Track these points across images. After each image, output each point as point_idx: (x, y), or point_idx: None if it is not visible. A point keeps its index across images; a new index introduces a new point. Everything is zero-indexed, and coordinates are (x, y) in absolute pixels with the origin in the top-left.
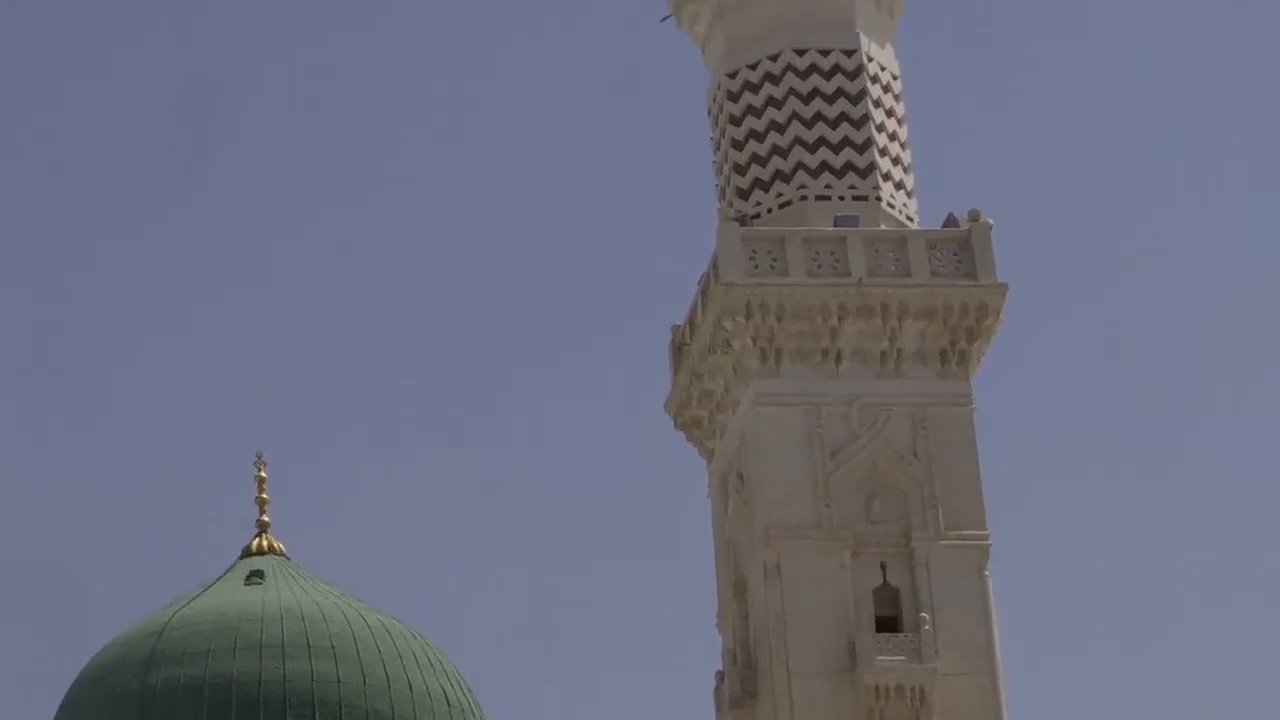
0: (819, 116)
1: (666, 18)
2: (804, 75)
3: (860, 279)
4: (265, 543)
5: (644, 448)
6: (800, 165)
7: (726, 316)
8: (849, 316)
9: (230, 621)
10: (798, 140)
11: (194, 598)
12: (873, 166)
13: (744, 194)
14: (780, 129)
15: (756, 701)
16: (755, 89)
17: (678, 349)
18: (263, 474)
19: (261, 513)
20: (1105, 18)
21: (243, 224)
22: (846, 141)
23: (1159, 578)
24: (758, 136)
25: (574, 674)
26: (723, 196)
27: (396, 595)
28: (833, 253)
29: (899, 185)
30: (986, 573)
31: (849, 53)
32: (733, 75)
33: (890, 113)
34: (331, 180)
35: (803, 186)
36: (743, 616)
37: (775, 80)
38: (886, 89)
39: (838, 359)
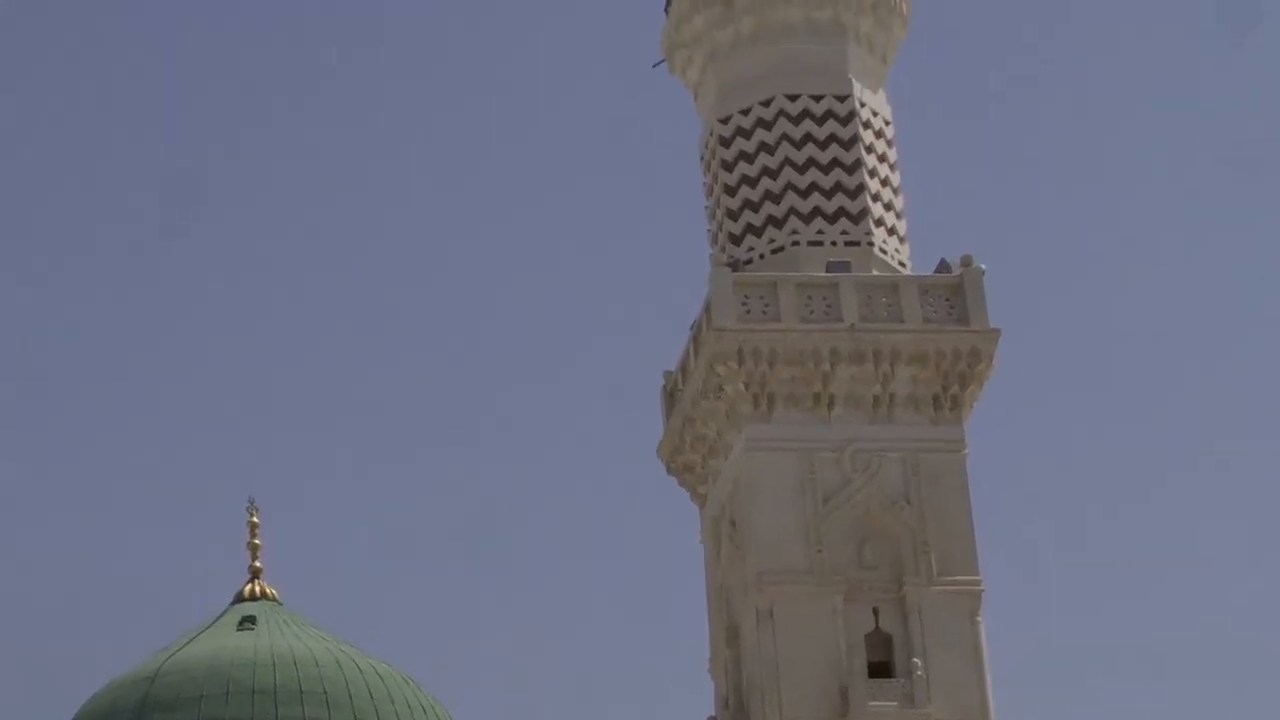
0: (811, 162)
1: (659, 63)
2: (796, 120)
3: (853, 324)
4: (257, 588)
5: (636, 493)
6: (793, 211)
7: (719, 362)
8: (841, 362)
9: (223, 667)
10: (790, 186)
11: (186, 643)
12: (865, 212)
13: (736, 239)
14: (773, 174)
15: None
16: (748, 134)
17: (670, 394)
18: (255, 519)
19: (254, 558)
20: (1097, 66)
21: (233, 272)
22: (839, 187)
23: (1152, 623)
24: (750, 182)
25: (566, 719)
26: (715, 242)
27: (390, 641)
28: (825, 298)
29: (891, 231)
30: (979, 618)
31: (841, 98)
32: (725, 120)
33: (883, 158)
34: (322, 233)
35: (795, 232)
36: (735, 662)
37: (768, 125)
38: (879, 134)
39: (830, 404)
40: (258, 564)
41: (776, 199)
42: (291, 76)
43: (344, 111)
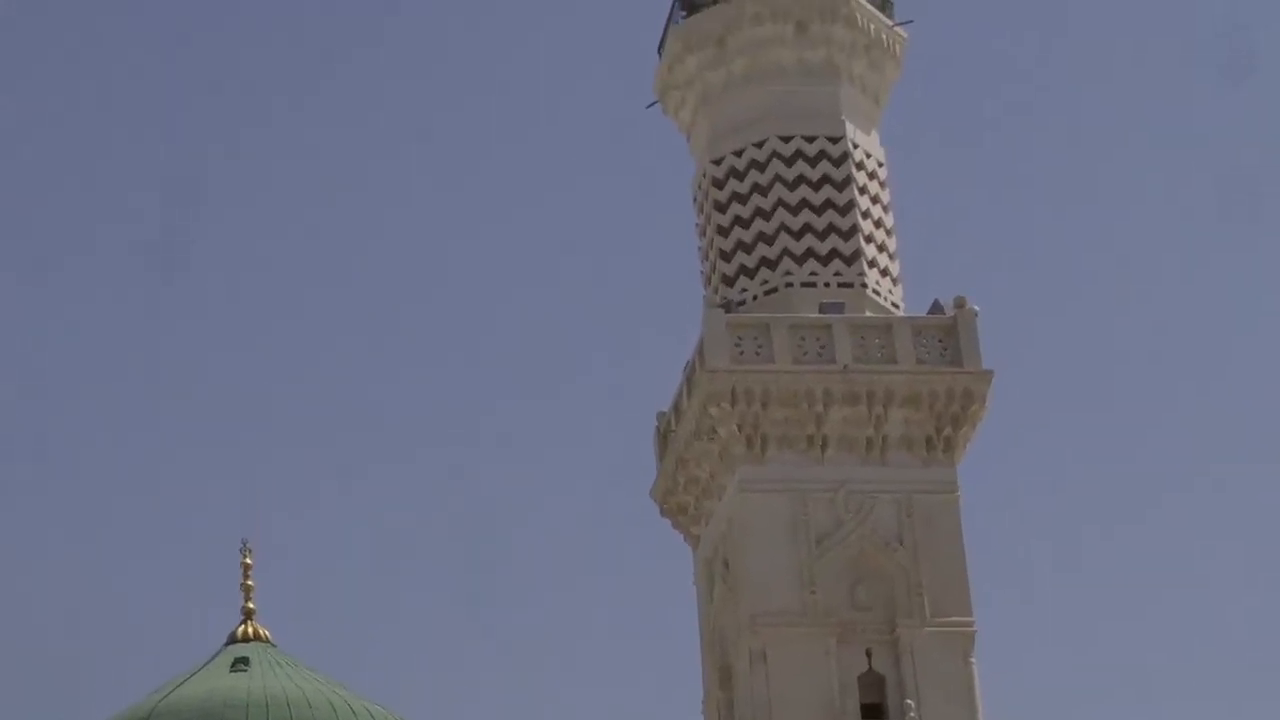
0: (804, 203)
1: (652, 104)
2: (789, 161)
3: (846, 366)
4: (250, 629)
5: (629, 535)
6: (785, 252)
7: (712, 403)
8: (834, 403)
9: (215, 709)
10: (783, 227)
11: (179, 685)
12: (858, 253)
13: (729, 280)
14: (765, 215)
15: None
16: (740, 175)
17: (663, 436)
18: (248, 560)
19: (247, 599)
20: (1091, 106)
21: (226, 308)
22: (832, 228)
23: (1146, 666)
24: (743, 223)
25: None
26: (708, 283)
27: (383, 683)
28: (818, 339)
29: (884, 272)
30: (972, 659)
31: (834, 139)
32: (718, 162)
33: (876, 199)
34: (315, 267)
35: (788, 273)
36: (728, 704)
37: (760, 167)
38: (872, 175)
39: (823, 446)
40: (251, 605)
41: (769, 240)
42: (292, 80)
43: (344, 115)
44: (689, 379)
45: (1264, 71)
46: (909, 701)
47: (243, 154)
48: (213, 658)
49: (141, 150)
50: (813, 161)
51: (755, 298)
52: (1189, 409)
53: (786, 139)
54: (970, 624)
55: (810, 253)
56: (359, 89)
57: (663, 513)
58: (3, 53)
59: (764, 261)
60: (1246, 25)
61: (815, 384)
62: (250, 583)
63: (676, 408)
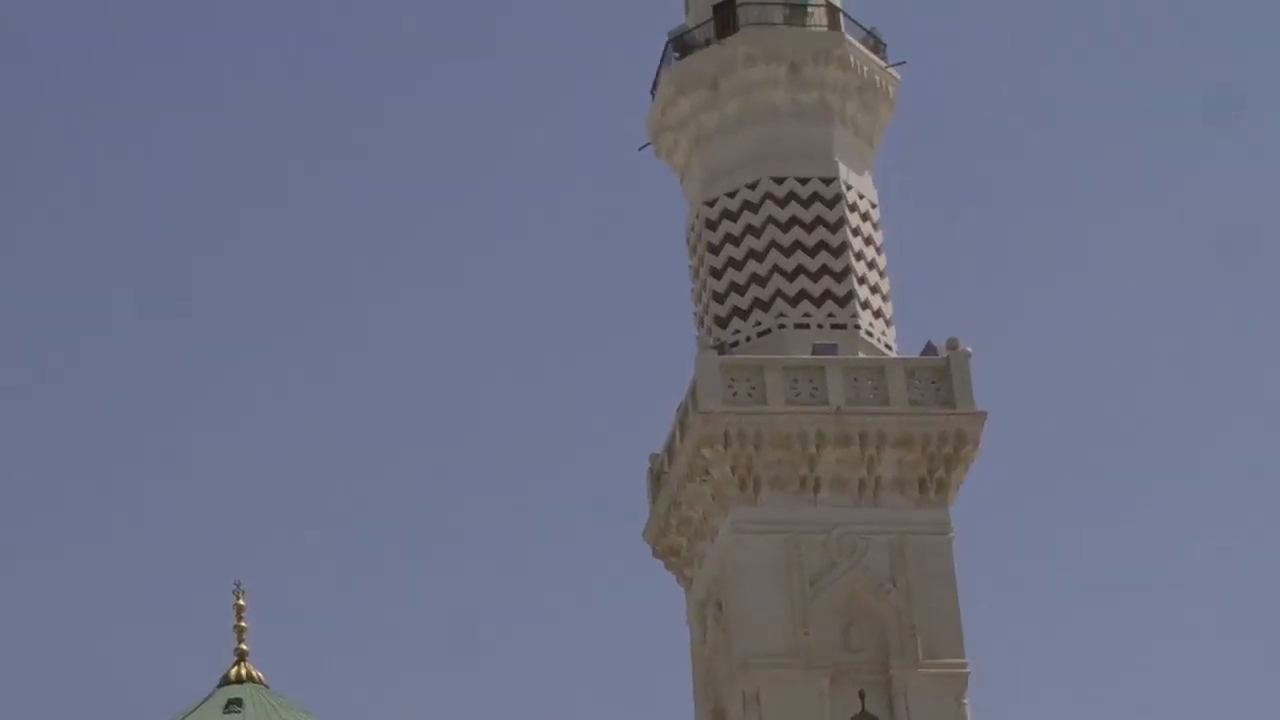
0: (797, 245)
1: (645, 146)
2: (782, 203)
3: (839, 407)
4: (244, 671)
5: (622, 576)
6: (779, 293)
7: (705, 445)
8: (827, 445)
9: None
10: (776, 268)
11: None
12: (851, 295)
13: (722, 322)
14: (759, 257)
15: None
16: (734, 217)
17: (656, 477)
18: (241, 602)
19: (240, 641)
20: (1084, 151)
21: (220, 355)
22: (825, 270)
23: (1139, 704)
24: (736, 264)
25: None
26: (701, 324)
27: None
28: (811, 381)
29: (877, 313)
30: (965, 700)
31: (828, 181)
32: (711, 203)
33: (869, 240)
34: (307, 319)
35: (781, 315)
36: None
37: (754, 208)
38: (865, 217)
39: (816, 487)
40: (244, 646)
41: (763, 282)
42: (276, 175)
43: (328, 208)
44: (682, 420)
45: (1252, 121)
46: None
47: (225, 252)
48: (206, 699)
49: (122, 249)
50: (806, 203)
51: (749, 339)
52: (1184, 452)
53: (780, 180)
54: (963, 665)
55: (803, 294)
56: (347, 147)
57: (655, 554)
58: None
59: (757, 303)
60: (1235, 79)
61: (808, 425)
62: (243, 624)
63: (669, 449)
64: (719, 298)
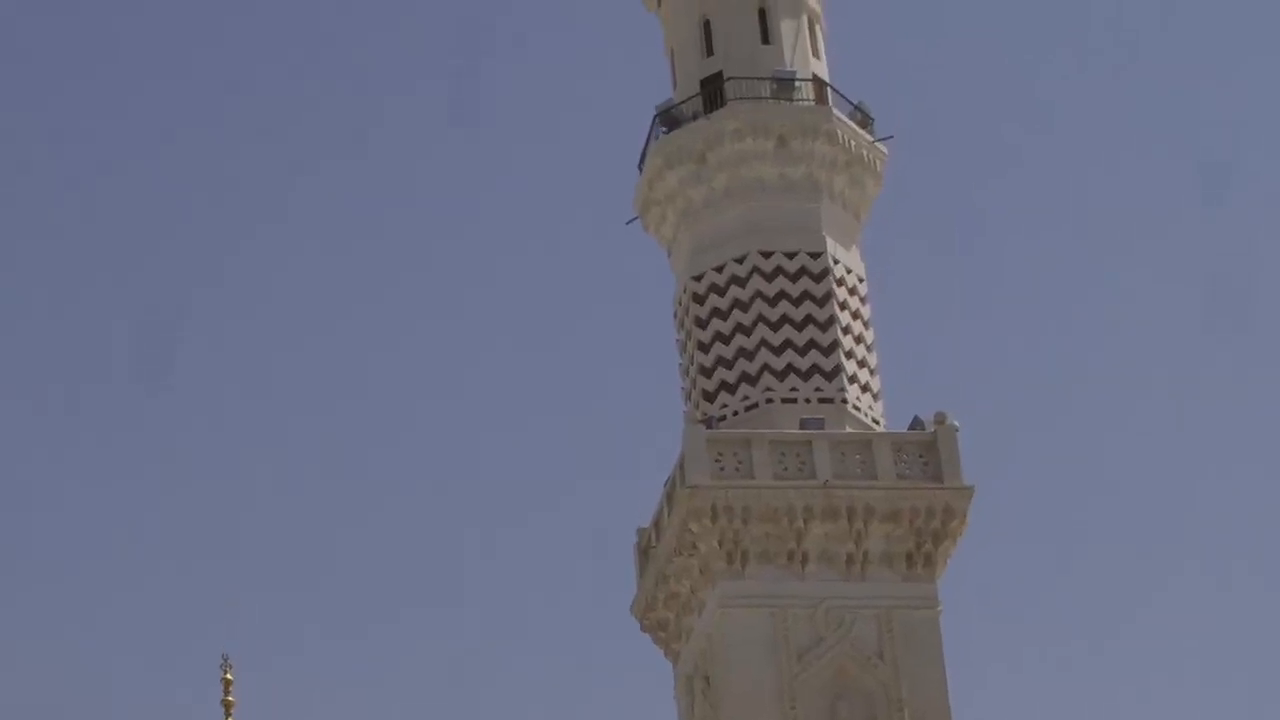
0: (785, 319)
1: (633, 220)
2: (770, 277)
3: (826, 481)
4: None
5: (610, 651)
6: (766, 368)
7: (693, 519)
8: (815, 519)
9: None
10: (764, 343)
11: None
12: (838, 369)
13: (710, 396)
14: (746, 331)
15: None
16: (721, 291)
17: (644, 552)
18: (229, 676)
19: (228, 715)
20: (1071, 219)
21: (209, 423)
22: (812, 344)
23: None
24: (723, 339)
25: None
26: (689, 398)
27: None
28: (798, 455)
29: (865, 388)
30: None
31: (815, 255)
32: (698, 277)
33: (856, 315)
34: (298, 384)
35: (769, 389)
36: None
37: (741, 283)
38: (852, 291)
39: (804, 561)
40: None
41: (750, 356)
42: (266, 218)
43: (318, 259)
44: (669, 495)
45: (1242, 190)
46: None
47: (225, 283)
48: None
49: (114, 294)
50: (793, 277)
51: (736, 413)
52: (1171, 524)
53: (767, 254)
54: None
55: (791, 368)
56: (339, 215)
57: (643, 629)
58: None
59: (744, 377)
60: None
61: (796, 500)
62: (231, 699)
63: (657, 524)
64: (706, 372)
